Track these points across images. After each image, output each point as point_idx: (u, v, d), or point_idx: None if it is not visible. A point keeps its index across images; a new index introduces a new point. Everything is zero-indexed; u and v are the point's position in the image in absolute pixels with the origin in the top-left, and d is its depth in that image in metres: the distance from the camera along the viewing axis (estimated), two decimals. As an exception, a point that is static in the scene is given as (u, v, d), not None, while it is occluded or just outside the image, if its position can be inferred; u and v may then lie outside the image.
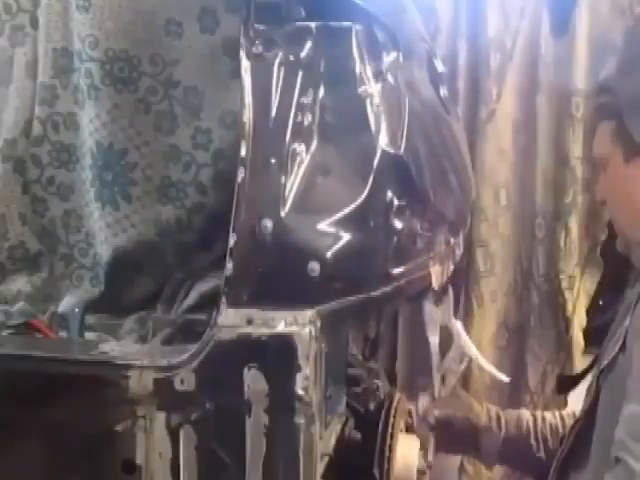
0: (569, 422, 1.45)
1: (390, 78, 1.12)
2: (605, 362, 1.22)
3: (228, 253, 1.00)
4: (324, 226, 1.01)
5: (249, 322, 0.99)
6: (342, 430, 1.35)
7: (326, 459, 1.15)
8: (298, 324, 0.98)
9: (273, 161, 1.01)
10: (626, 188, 1.14)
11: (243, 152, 1.01)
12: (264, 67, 1.04)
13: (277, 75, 1.04)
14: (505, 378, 1.49)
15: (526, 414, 1.49)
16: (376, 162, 1.05)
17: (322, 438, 1.04)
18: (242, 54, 1.04)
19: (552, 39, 2.38)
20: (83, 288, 1.59)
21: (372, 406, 1.56)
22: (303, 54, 1.06)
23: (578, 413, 1.33)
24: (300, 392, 0.97)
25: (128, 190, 1.50)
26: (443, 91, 1.50)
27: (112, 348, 1.13)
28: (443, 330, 1.56)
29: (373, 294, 1.07)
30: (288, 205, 1.00)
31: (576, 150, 2.33)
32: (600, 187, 1.23)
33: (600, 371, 1.25)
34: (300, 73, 1.05)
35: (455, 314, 2.22)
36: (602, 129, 1.19)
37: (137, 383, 1.02)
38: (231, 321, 0.99)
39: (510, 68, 2.40)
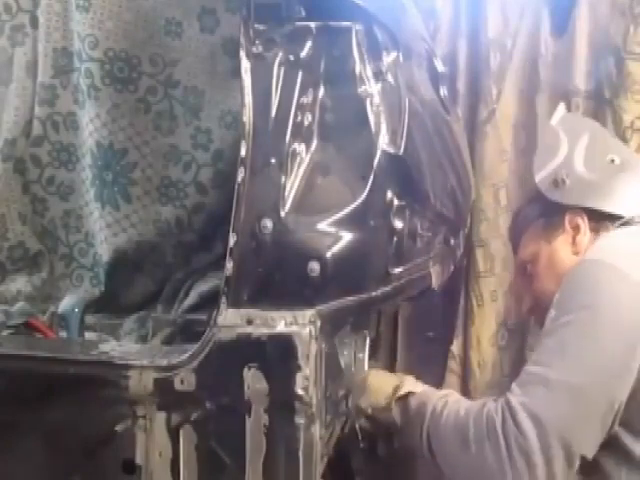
0: None
1: (390, 78, 1.11)
2: None
3: (228, 253, 1.00)
4: (324, 226, 1.01)
5: (249, 322, 0.99)
6: (342, 430, 1.35)
7: (326, 459, 1.15)
8: (298, 324, 0.98)
9: (273, 161, 1.01)
10: (552, 263, 1.41)
11: (243, 152, 1.01)
12: (264, 67, 1.04)
13: (277, 75, 1.04)
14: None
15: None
16: (376, 162, 1.05)
17: (322, 438, 1.04)
18: (242, 54, 1.04)
19: (552, 39, 2.38)
20: (83, 288, 1.60)
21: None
22: (303, 54, 1.06)
23: None
24: (300, 392, 0.97)
25: (128, 190, 1.50)
26: (443, 91, 1.50)
27: (112, 348, 1.13)
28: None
29: (373, 294, 1.07)
30: (288, 205, 1.00)
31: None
32: (530, 287, 1.49)
33: None
34: (300, 73, 1.05)
35: (456, 314, 2.23)
36: (531, 233, 1.48)
37: (137, 383, 1.02)
38: (231, 321, 0.99)
39: (510, 68, 2.40)
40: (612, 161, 1.42)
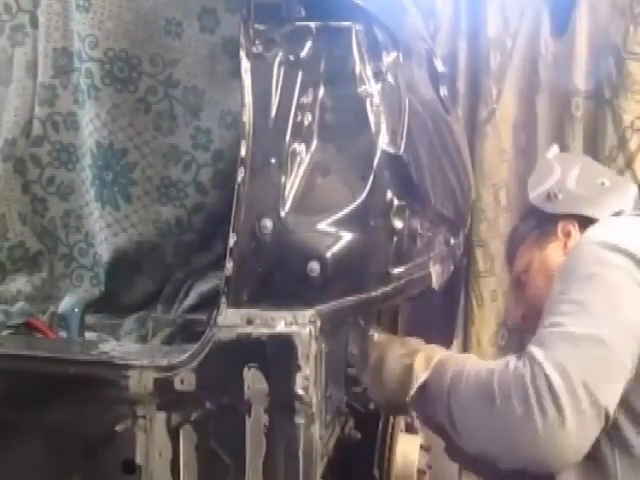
0: None
1: (390, 78, 1.11)
2: None
3: (228, 253, 1.00)
4: (324, 226, 1.01)
5: (249, 322, 0.99)
6: (342, 430, 1.35)
7: (326, 459, 1.15)
8: (298, 324, 0.98)
9: (273, 161, 1.01)
10: (544, 265, 1.50)
11: (243, 152, 1.01)
12: (264, 67, 1.04)
13: (277, 75, 1.04)
14: None
15: None
16: (376, 162, 1.05)
17: (322, 438, 1.04)
18: (242, 54, 1.04)
19: (552, 39, 2.38)
20: (83, 288, 1.60)
21: (372, 406, 1.56)
22: (303, 54, 1.06)
23: None
24: (300, 392, 0.97)
25: (128, 190, 1.50)
26: (443, 91, 1.50)
27: (112, 348, 1.13)
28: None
29: (373, 294, 1.07)
30: (288, 205, 1.00)
31: (576, 150, 2.34)
32: (523, 295, 1.57)
33: None
34: (300, 73, 1.05)
35: (456, 314, 2.23)
36: (526, 245, 1.56)
37: (137, 383, 1.02)
38: (231, 321, 0.99)
39: (510, 68, 2.40)
40: (602, 184, 1.52)
